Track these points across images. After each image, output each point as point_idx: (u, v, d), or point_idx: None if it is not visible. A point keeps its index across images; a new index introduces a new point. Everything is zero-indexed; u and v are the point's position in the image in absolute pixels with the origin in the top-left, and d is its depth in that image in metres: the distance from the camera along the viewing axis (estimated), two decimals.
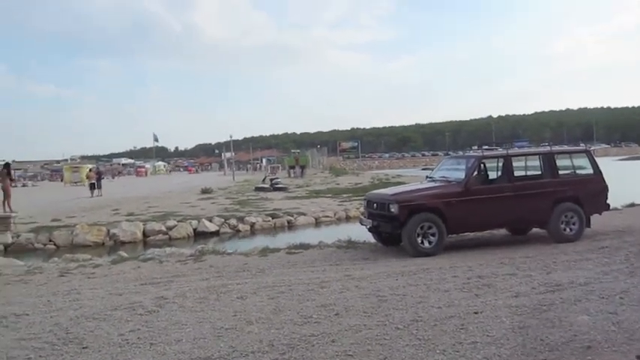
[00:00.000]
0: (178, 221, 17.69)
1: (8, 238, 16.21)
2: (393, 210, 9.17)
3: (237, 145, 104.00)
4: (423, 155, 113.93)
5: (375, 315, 5.73)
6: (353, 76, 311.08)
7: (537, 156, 10.62)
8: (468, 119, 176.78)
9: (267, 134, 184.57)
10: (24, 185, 58.07)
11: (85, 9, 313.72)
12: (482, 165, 10.15)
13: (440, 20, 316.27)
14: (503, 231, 11.23)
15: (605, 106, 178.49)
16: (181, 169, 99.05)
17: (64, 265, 9.79)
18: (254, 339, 5.12)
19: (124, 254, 10.94)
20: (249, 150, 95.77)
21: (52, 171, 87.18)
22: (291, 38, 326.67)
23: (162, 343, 5.15)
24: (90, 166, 46.34)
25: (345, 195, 25.67)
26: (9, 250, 15.74)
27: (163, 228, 17.11)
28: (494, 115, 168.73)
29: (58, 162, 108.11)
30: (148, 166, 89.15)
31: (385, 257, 9.20)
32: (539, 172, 10.52)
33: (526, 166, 11.04)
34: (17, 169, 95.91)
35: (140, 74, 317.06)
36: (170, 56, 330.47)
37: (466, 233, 10.56)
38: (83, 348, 5.15)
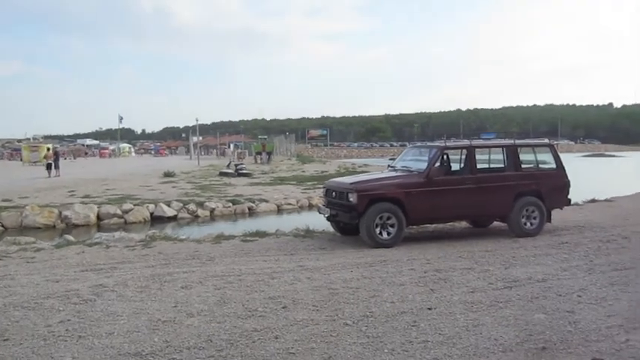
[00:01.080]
0: (135, 205, 17.09)
1: None
2: (351, 199, 8.87)
3: (205, 130, 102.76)
4: (392, 146, 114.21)
5: (325, 309, 5.43)
6: (325, 65, 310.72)
7: (501, 148, 10.44)
8: (437, 111, 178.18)
9: (237, 119, 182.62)
10: None
11: None
12: (444, 156, 9.91)
13: (415, 13, 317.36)
14: (464, 223, 11.07)
15: (570, 104, 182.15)
16: (152, 152, 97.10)
17: (3, 249, 9.23)
18: (192, 333, 4.76)
19: (71, 238, 10.40)
20: (217, 135, 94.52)
21: (13, 150, 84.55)
22: (264, 24, 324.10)
23: (92, 336, 4.76)
24: (48, 145, 44.87)
25: (309, 183, 25.33)
26: None
27: (119, 211, 16.50)
28: (463, 109, 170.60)
29: (19, 141, 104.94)
30: (112, 147, 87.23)
31: (342, 248, 8.91)
32: (502, 165, 10.35)
33: (489, 158, 10.87)
34: None
35: (109, 54, 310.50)
36: (140, 38, 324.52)
37: (426, 225, 10.35)
38: (4, 340, 4.72)
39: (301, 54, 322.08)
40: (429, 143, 10.73)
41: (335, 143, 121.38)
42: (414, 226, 9.96)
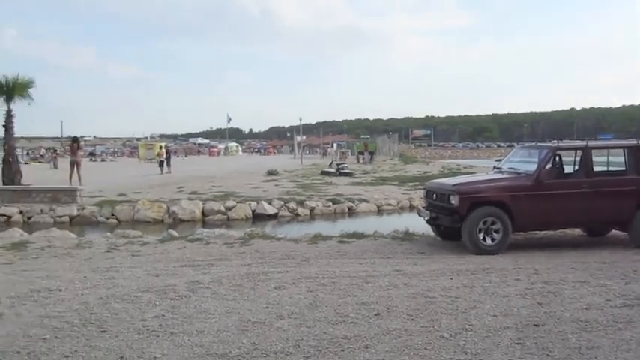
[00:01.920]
0: (238, 202, 17.50)
1: (74, 210, 16.56)
2: (453, 202, 8.43)
3: (309, 129, 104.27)
4: (499, 146, 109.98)
5: (420, 319, 5.11)
6: (429, 63, 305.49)
7: (622, 150, 9.50)
8: (548, 110, 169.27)
9: (340, 119, 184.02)
10: (103, 160, 60.58)
11: None
12: (556, 157, 9.18)
13: (522, 8, 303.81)
14: (577, 231, 10.22)
15: None
16: (261, 151, 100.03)
17: (113, 241, 9.70)
18: (280, 337, 4.63)
19: (174, 233, 10.74)
20: (320, 134, 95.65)
21: (132, 148, 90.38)
22: (368, 23, 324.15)
23: (183, 333, 4.76)
24: (162, 144, 47.42)
25: (411, 184, 24.78)
26: (73, 222, 16.11)
27: (222, 208, 16.97)
28: (577, 108, 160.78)
29: (138, 139, 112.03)
30: (220, 146, 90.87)
31: (442, 253, 8.49)
32: (623, 169, 9.41)
33: (608, 161, 9.94)
34: (99, 145, 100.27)
35: (219, 58, 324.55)
36: (248, 40, 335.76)
37: (534, 231, 9.66)
38: (102, 331, 4.84)
39: (405, 52, 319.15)
40: (539, 144, 10.01)
41: (439, 143, 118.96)
42: (521, 233, 9.31)
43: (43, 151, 66.53)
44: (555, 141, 9.69)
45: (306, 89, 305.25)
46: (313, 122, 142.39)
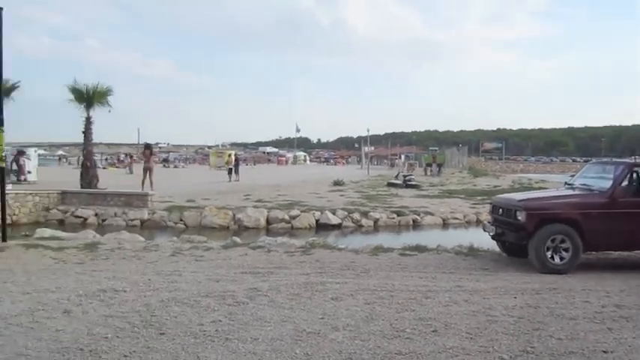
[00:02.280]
0: (302, 211, 17.62)
1: (145, 214, 17.18)
2: (519, 218, 8.13)
3: (377, 140, 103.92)
4: (574, 161, 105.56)
5: (479, 338, 4.94)
6: (501, 74, 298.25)
7: None
8: (629, 125, 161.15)
9: (409, 130, 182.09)
10: (175, 167, 62.65)
11: (240, 6, 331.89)
12: (634, 174, 8.69)
13: (597, 18, 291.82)
14: None
15: None
16: (330, 161, 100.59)
17: (179, 245, 9.96)
18: (334, 349, 4.58)
19: (237, 240, 10.92)
20: (388, 145, 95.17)
21: (204, 155, 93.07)
22: (437, 34, 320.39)
23: (238, 339, 4.80)
24: (231, 152, 48.56)
25: (479, 197, 24.18)
26: (144, 226, 16.71)
27: (286, 217, 17.14)
28: None
29: (209, 147, 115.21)
30: (289, 155, 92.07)
31: (506, 270, 8.20)
32: None
33: None
34: (173, 152, 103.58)
35: (289, 67, 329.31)
36: (318, 51, 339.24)
37: (607, 252, 9.17)
38: (160, 334, 4.96)
39: (476, 63, 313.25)
40: (615, 159, 9.52)
41: (510, 157, 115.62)
42: (593, 252, 8.86)
43: (122, 156, 69.56)
44: (635, 157, 9.16)
45: (376, 100, 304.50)
46: (382, 133, 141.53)
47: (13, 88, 21.53)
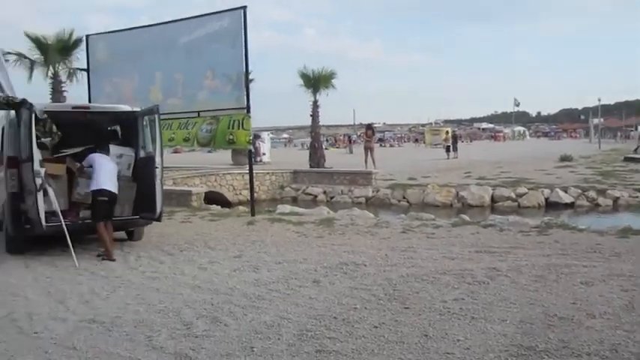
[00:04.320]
0: (529, 189, 16.69)
1: (369, 191, 17.82)
2: None
3: (608, 110, 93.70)
4: None
5: None
6: None
7: None
8: None
9: None
10: (391, 146, 63.87)
11: None
12: None
13: None
14: None
15: None
16: (550, 135, 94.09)
17: (408, 223, 10.11)
18: (593, 338, 4.23)
19: (466, 218, 10.73)
20: (622, 116, 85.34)
21: (417, 133, 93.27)
22: None
23: (484, 319, 4.70)
24: (447, 129, 47.82)
25: None
26: (369, 203, 17.36)
27: (512, 195, 16.40)
28: None
29: (422, 125, 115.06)
30: (506, 130, 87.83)
31: None
32: None
33: None
34: (388, 131, 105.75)
35: (503, 38, 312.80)
36: (534, 18, 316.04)
37: None
38: (405, 308, 5.08)
39: None
40: None
41: None
42: None
43: (341, 136, 72.89)
44: None
45: (605, 67, 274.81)
46: (612, 102, 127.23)
47: (331, 76, 23.49)
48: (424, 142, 60.58)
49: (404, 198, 17.19)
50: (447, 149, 32.00)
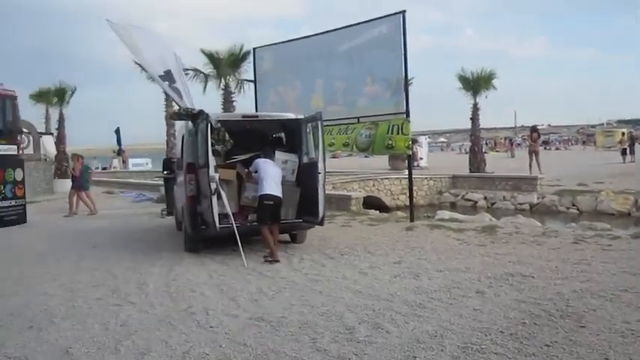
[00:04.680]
0: None
1: (534, 198, 16.83)
2: None
3: None
4: None
5: None
6: None
7: None
8: None
9: None
10: (557, 149, 59.87)
11: None
12: None
13: None
14: None
15: None
16: None
17: (579, 232, 9.35)
18: None
19: None
20: None
21: (587, 135, 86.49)
22: None
23: None
24: (623, 130, 43.63)
25: None
26: (533, 210, 16.39)
27: None
28: None
29: (592, 126, 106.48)
30: None
31: None
32: None
33: None
34: (553, 133, 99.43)
35: None
36: None
37: None
38: (580, 326, 4.68)
39: None
40: None
41: None
42: None
43: (517, 139, 69.33)
44: None
45: None
46: None
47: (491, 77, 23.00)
48: (594, 145, 55.91)
49: (573, 205, 15.96)
50: (623, 152, 29.19)
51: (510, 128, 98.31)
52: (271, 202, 7.82)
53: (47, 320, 5.39)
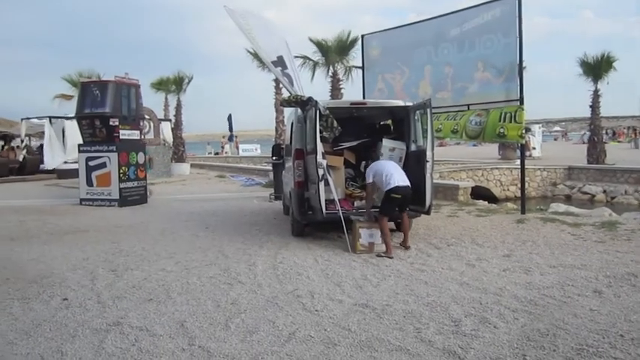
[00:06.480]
0: None
1: None
2: None
3: None
4: None
5: None
6: None
7: None
8: None
9: None
10: None
11: None
12: None
13: None
14: None
15: None
16: None
17: None
18: None
19: None
20: None
21: None
22: None
23: None
24: None
25: None
26: None
27: None
28: None
29: None
30: None
31: None
32: None
33: None
34: None
35: None
36: None
37: None
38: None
39: None
40: None
41: None
42: None
43: (624, 129, 64.95)
44: None
45: None
46: None
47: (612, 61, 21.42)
48: None
49: None
50: None
51: (634, 117, 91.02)
52: (399, 196, 7.51)
53: (165, 295, 5.75)
